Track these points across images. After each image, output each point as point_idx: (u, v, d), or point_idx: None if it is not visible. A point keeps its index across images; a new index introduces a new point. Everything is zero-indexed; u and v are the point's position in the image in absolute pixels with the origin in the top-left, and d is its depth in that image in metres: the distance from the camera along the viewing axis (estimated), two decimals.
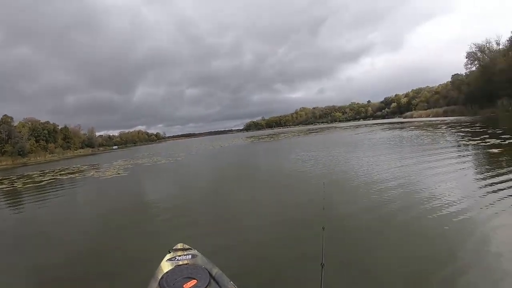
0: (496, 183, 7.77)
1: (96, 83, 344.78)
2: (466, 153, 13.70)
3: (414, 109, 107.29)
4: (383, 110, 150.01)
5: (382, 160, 13.87)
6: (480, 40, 67.56)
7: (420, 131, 30.73)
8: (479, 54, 66.13)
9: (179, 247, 3.86)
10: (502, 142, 15.44)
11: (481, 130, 24.25)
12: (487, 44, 65.14)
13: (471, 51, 67.20)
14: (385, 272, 4.09)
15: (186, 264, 3.35)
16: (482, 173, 9.25)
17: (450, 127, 32.07)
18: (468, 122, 36.55)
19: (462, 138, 19.68)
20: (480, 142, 16.33)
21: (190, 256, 3.52)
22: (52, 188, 16.88)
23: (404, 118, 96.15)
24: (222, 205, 8.93)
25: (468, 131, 24.59)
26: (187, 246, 3.87)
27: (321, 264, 2.60)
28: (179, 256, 3.55)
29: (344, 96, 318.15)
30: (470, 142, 17.04)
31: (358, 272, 4.13)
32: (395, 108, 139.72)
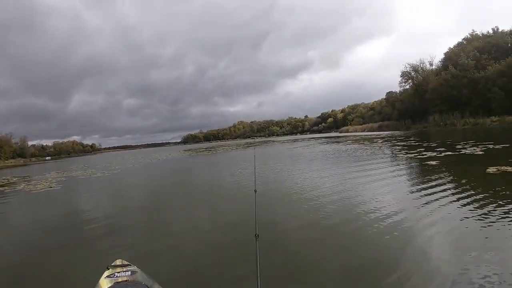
0: (434, 193, 7.95)
1: (30, 88, 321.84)
2: (404, 165, 13.46)
3: (350, 124, 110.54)
4: (319, 125, 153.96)
5: (321, 174, 13.30)
6: (414, 60, 71.76)
7: (357, 145, 30.75)
8: (413, 73, 70.22)
9: (118, 263, 3.60)
10: (438, 155, 15.38)
11: (416, 143, 24.61)
12: (421, 64, 69.70)
13: (405, 70, 71.37)
14: (324, 280, 4.11)
15: (126, 280, 3.18)
16: (420, 184, 9.27)
17: (386, 141, 32.61)
18: (402, 136, 37.54)
19: (399, 151, 19.61)
20: (417, 155, 16.17)
21: (129, 273, 3.33)
22: None
23: (340, 132, 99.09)
24: (161, 220, 8.52)
25: (404, 144, 24.83)
26: (126, 262, 3.62)
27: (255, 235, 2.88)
28: (118, 272, 3.35)
29: (282, 111, 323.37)
30: (408, 155, 16.85)
31: (294, 279, 4.15)
32: (331, 123, 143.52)
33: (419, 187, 8.93)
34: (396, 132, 54.31)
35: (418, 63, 69.98)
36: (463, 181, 9.23)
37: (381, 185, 9.62)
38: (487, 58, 52.03)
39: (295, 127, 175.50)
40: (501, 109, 44.66)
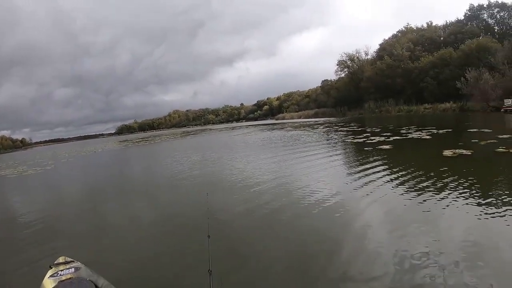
0: (398, 177, 8.07)
1: None
2: (357, 151, 13.37)
3: (286, 111, 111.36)
4: (255, 113, 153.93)
5: (266, 161, 13.21)
6: (350, 50, 73.61)
7: (300, 131, 30.75)
8: (349, 62, 71.95)
9: (60, 261, 3.46)
10: (387, 139, 15.52)
11: (359, 129, 25.03)
12: (357, 54, 71.63)
13: (342, 59, 72.69)
14: (271, 264, 4.28)
15: (70, 278, 3.11)
16: (383, 169, 9.24)
17: (327, 127, 33.03)
18: (342, 122, 38.40)
19: (346, 136, 19.69)
20: (365, 140, 16.23)
21: (73, 269, 3.24)
22: None
23: (277, 119, 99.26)
24: (100, 214, 8.27)
25: (347, 130, 25.10)
26: (69, 259, 3.50)
27: (209, 271, 2.78)
28: (61, 270, 3.23)
29: (218, 100, 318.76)
30: (356, 140, 16.89)
31: (246, 272, 4.17)
32: (267, 111, 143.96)
33: (383, 172, 8.84)
34: (332, 119, 55.67)
35: (354, 53, 71.92)
36: (423, 164, 9.56)
37: (340, 171, 9.65)
38: (421, 50, 54.68)
39: (231, 115, 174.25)
40: (433, 97, 47.04)
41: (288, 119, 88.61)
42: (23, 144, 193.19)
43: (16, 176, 20.56)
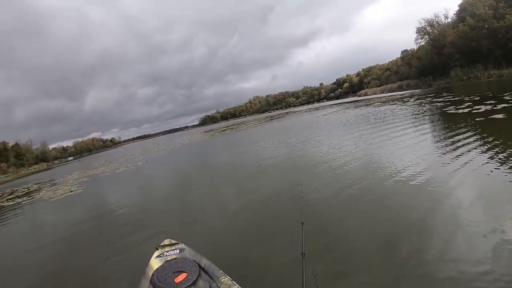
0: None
1: (44, 92, 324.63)
2: (470, 123, 12.75)
3: (367, 87, 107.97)
4: (336, 92, 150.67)
5: (369, 138, 13.29)
6: (428, 16, 69.32)
7: (390, 105, 30.14)
8: (428, 28, 67.87)
9: (166, 243, 3.85)
10: (495, 108, 14.81)
11: (455, 98, 23.93)
12: (436, 18, 67.24)
13: (420, 26, 68.79)
14: (361, 245, 4.45)
15: (175, 258, 3.41)
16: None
17: (417, 99, 31.88)
18: (432, 93, 36.61)
19: (445, 107, 19.06)
20: (471, 110, 15.69)
21: (178, 251, 3.57)
22: None
23: (359, 96, 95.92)
24: (196, 202, 8.91)
25: (444, 100, 24.06)
26: (174, 241, 3.87)
27: (302, 253, 2.97)
28: (167, 251, 3.60)
29: (296, 82, 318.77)
30: (461, 110, 16.39)
31: (337, 254, 4.33)
32: (347, 88, 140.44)
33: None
34: (418, 90, 53.24)
35: (433, 17, 67.46)
36: None
37: (451, 147, 9.29)
38: (504, 7, 50.12)
39: (311, 96, 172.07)
40: None
41: (370, 94, 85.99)
42: (113, 143, 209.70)
43: (109, 174, 22.81)
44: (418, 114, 18.04)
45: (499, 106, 14.89)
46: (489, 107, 15.31)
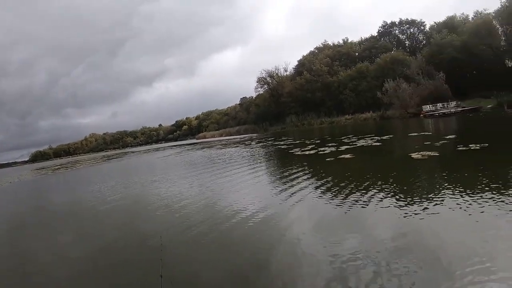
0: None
1: None
2: (321, 163, 12.54)
3: (205, 130, 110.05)
4: (174, 133, 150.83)
5: (227, 174, 12.44)
6: (270, 67, 74.95)
7: (233, 148, 29.61)
8: (268, 78, 73.04)
9: None
10: (339, 149, 15.12)
11: (297, 141, 24.64)
12: (276, 70, 73.13)
13: (261, 76, 73.63)
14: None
15: None
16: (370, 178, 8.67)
17: (258, 142, 32.52)
18: (271, 137, 38.18)
19: (290, 149, 18.97)
20: (318, 151, 15.68)
21: None
22: None
23: (197, 139, 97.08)
24: (39, 250, 7.25)
25: (284, 144, 24.59)
26: None
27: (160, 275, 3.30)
28: None
29: (137, 121, 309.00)
30: (306, 152, 16.25)
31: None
32: (186, 130, 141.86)
33: (381, 184, 8.10)
34: (255, 135, 55.74)
35: (273, 69, 73.50)
36: (407, 169, 9.38)
37: (331, 188, 8.55)
38: (338, 65, 57.57)
39: (149, 137, 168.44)
40: (352, 108, 49.86)
41: (209, 137, 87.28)
42: None
43: None
44: (263, 156, 17.60)
45: (343, 148, 15.25)
46: (332, 148, 15.52)
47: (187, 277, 4.71)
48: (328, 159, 12.73)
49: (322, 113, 54.34)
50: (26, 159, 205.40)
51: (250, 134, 61.32)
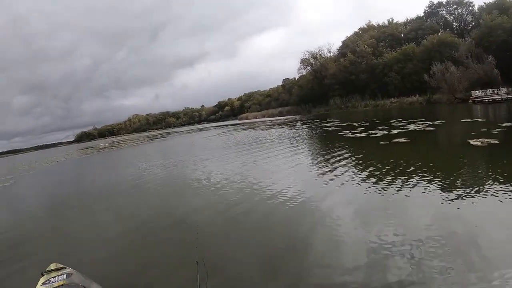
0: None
1: None
2: (374, 147, 13.01)
3: (247, 112, 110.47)
4: (216, 114, 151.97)
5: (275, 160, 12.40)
6: (313, 48, 74.16)
7: (279, 129, 30.31)
8: (311, 60, 72.39)
9: (52, 268, 3.48)
10: (391, 133, 15.41)
11: (344, 124, 24.94)
12: (319, 52, 72.38)
13: (304, 57, 73.19)
14: (250, 265, 4.46)
15: (62, 285, 3.16)
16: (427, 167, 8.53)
17: (303, 123, 32.95)
18: (316, 119, 38.40)
19: (339, 131, 19.45)
20: (369, 135, 16.10)
21: (65, 276, 3.30)
22: None
23: (240, 120, 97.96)
24: (86, 224, 8.00)
25: (332, 126, 24.95)
26: (61, 265, 3.53)
27: (196, 262, 3.31)
28: (53, 277, 3.29)
29: (179, 103, 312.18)
30: (356, 135, 16.72)
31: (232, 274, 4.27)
32: (228, 111, 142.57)
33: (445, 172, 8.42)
34: (298, 116, 56.02)
35: (317, 51, 72.72)
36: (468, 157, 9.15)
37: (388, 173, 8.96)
38: (383, 46, 56.24)
39: (192, 118, 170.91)
40: (397, 91, 48.72)
41: (251, 118, 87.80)
42: None
43: None
44: (311, 138, 18.15)
45: (395, 131, 15.56)
46: (384, 132, 15.89)
47: (223, 260, 4.77)
48: (382, 143, 13.00)
49: (366, 96, 53.72)
50: (72, 139, 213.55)
51: (293, 116, 61.55)
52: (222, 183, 9.50)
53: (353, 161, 10.24)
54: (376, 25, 65.60)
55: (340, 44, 68.62)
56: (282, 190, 7.74)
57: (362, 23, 69.92)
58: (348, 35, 68.35)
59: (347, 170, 9.00)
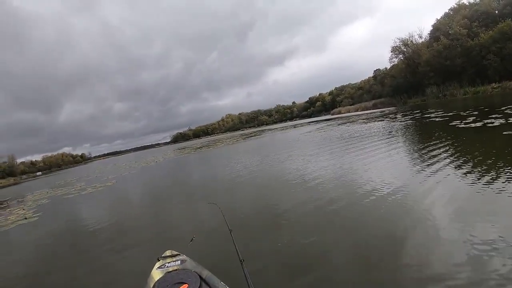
0: None
1: (19, 103, 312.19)
2: (496, 137, 12.06)
3: (339, 106, 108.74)
4: (308, 110, 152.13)
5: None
6: (402, 35, 71.10)
7: (379, 122, 29.51)
8: (403, 47, 69.27)
9: (167, 254, 3.82)
10: (509, 121, 14.22)
11: (451, 113, 23.59)
12: (410, 38, 69.39)
13: (395, 45, 70.45)
14: (339, 265, 4.50)
15: (176, 269, 3.38)
16: None
17: (404, 115, 31.88)
18: (415, 110, 36.79)
19: (448, 121, 18.42)
20: (486, 123, 15.02)
21: (179, 262, 3.55)
22: None
23: (332, 114, 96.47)
24: (194, 217, 8.79)
25: (436, 116, 23.80)
26: (175, 252, 3.86)
27: (241, 260, 3.22)
28: (168, 263, 3.56)
29: (270, 99, 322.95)
30: (469, 125, 15.73)
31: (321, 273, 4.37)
32: (320, 107, 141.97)
33: None
34: (393, 108, 54.18)
35: (407, 37, 69.60)
36: None
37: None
38: (478, 26, 51.74)
39: (283, 114, 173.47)
40: (497, 75, 44.68)
41: (344, 113, 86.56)
42: (83, 159, 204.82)
43: (74, 196, 19.35)
44: (419, 130, 17.61)
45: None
46: (501, 120, 14.84)
47: (318, 256, 4.85)
48: (505, 133, 11.81)
49: (464, 82, 49.87)
50: (168, 140, 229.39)
51: (388, 108, 59.33)
52: (320, 179, 9.77)
53: (471, 154, 9.59)
54: (467, 3, 60.33)
55: (431, 28, 64.99)
56: (381, 186, 7.75)
57: (452, 3, 64.92)
58: (439, 18, 64.32)
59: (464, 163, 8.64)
